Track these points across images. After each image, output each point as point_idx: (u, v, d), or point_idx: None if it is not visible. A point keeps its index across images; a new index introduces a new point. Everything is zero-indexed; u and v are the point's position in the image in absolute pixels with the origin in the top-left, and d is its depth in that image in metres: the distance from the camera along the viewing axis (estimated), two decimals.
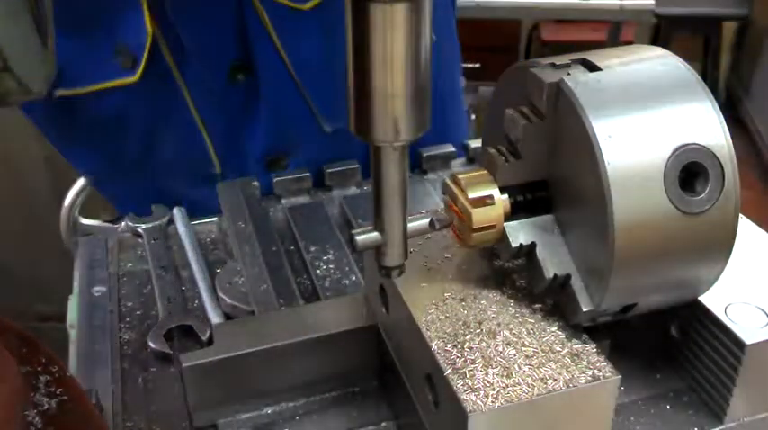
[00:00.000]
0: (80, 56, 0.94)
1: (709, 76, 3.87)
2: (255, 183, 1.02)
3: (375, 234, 0.53)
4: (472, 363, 0.53)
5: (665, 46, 0.57)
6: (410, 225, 0.54)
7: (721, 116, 0.53)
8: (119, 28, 0.93)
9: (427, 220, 0.56)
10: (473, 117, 2.35)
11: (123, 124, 1.01)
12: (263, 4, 0.93)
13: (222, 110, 1.02)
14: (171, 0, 0.91)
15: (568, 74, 0.54)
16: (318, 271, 0.88)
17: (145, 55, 0.94)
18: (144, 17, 0.92)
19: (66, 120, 1.00)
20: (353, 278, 0.87)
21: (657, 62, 0.55)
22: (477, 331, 0.56)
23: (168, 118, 1.02)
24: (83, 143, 1.05)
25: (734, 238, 0.54)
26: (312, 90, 0.99)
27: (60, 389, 0.56)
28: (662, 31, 3.78)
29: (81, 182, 1.21)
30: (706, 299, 0.60)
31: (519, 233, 0.57)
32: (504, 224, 0.57)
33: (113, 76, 0.95)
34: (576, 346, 0.55)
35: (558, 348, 0.54)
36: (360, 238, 0.53)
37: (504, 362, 0.53)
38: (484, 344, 0.55)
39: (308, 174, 1.04)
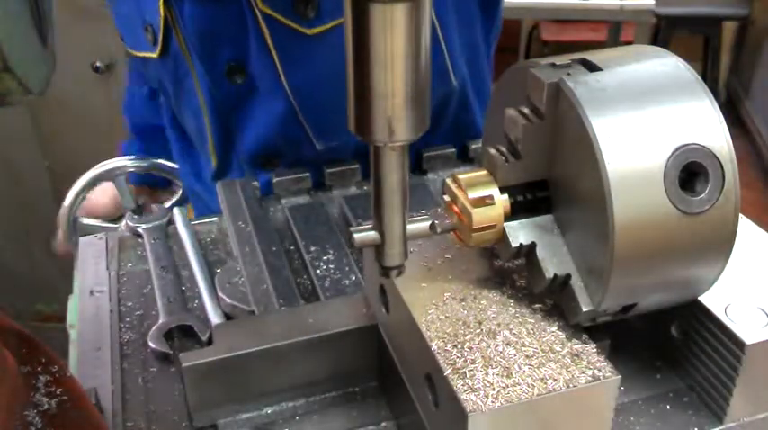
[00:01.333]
0: (126, 25, 1.09)
1: (709, 76, 3.87)
2: (255, 182, 1.02)
3: (373, 233, 0.53)
4: (472, 363, 0.53)
5: (665, 46, 0.57)
6: (410, 227, 0.54)
7: (721, 116, 0.53)
8: (144, 6, 1.01)
9: (428, 223, 0.56)
10: None
11: (161, 89, 1.14)
12: (266, 22, 0.92)
13: (220, 104, 1.03)
14: None
15: (568, 74, 0.54)
16: (318, 271, 0.88)
17: (160, 36, 1.00)
18: (158, 0, 0.97)
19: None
20: (353, 278, 0.86)
21: (657, 62, 0.55)
22: (477, 331, 0.56)
23: (185, 99, 1.08)
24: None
25: (734, 238, 0.54)
26: (305, 112, 0.99)
27: (60, 389, 0.56)
28: (662, 31, 3.79)
29: (81, 182, 1.21)
30: (706, 299, 0.60)
31: (519, 233, 0.57)
32: (504, 224, 0.57)
33: (145, 47, 1.05)
34: (576, 346, 0.55)
35: (558, 348, 0.54)
36: (357, 236, 0.53)
37: (504, 362, 0.53)
38: (484, 344, 0.55)
39: (307, 174, 1.04)
